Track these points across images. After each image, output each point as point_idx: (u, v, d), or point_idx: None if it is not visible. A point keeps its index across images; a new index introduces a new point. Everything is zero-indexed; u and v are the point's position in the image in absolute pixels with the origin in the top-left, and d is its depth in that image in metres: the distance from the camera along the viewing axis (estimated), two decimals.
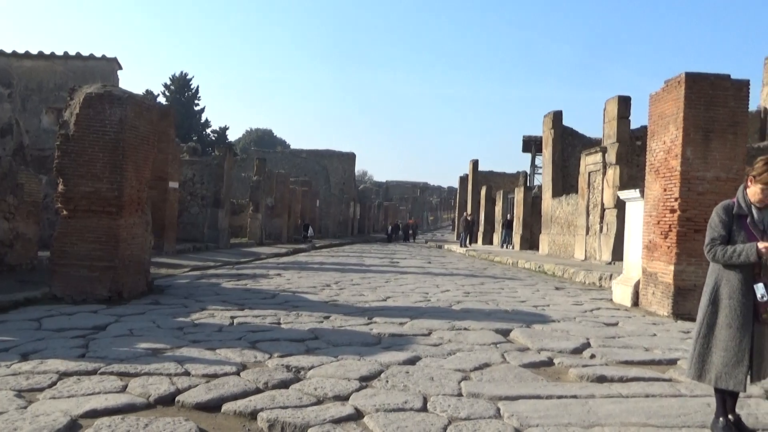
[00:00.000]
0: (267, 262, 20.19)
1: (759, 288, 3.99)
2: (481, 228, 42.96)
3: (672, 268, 9.70)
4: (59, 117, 10.66)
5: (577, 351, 6.82)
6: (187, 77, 61.50)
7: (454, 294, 12.17)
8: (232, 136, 76.11)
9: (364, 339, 7.10)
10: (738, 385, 4.02)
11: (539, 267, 19.91)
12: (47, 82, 22.92)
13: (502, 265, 23.10)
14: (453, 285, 14.07)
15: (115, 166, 9.56)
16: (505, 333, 7.80)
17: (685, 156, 9.72)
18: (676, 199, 9.77)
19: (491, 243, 40.32)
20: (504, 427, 4.17)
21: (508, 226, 35.05)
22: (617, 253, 18.24)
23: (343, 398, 4.72)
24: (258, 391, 4.84)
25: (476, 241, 41.70)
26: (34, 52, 23.09)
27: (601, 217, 21.43)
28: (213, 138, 60.98)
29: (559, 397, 4.95)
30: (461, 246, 35.83)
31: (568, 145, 28.56)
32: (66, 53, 23.16)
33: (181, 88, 60.64)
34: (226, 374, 5.27)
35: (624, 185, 18.92)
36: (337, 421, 4.21)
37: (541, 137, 31.81)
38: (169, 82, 60.87)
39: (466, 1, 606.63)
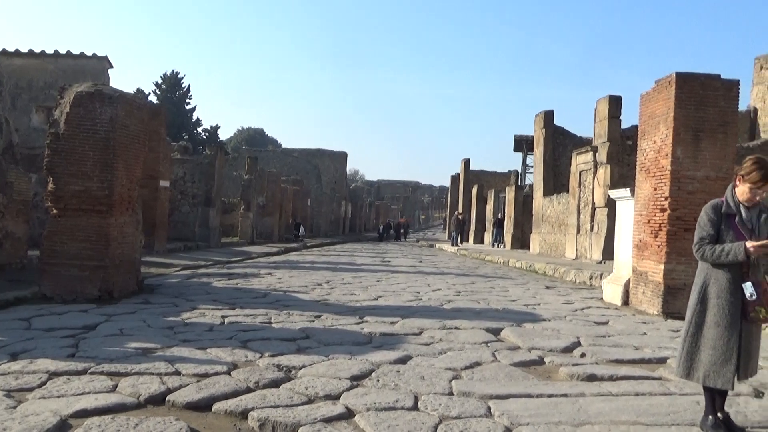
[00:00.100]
0: (258, 261, 20.16)
1: (747, 287, 4.01)
2: (473, 227, 43.05)
3: (662, 267, 9.75)
4: (49, 115, 10.61)
5: (568, 350, 6.85)
6: (179, 76, 61.36)
7: (445, 293, 12.19)
8: (224, 135, 75.90)
9: (355, 338, 7.11)
10: (726, 383, 4.04)
11: (530, 266, 19.96)
12: (37, 81, 22.80)
13: (493, 264, 23.14)
14: (444, 284, 14.09)
15: (105, 164, 9.52)
16: (496, 332, 7.81)
17: (676, 155, 9.77)
18: (666, 199, 9.81)
19: (482, 242, 40.40)
20: (495, 426, 4.18)
21: (499, 225, 35.14)
22: (608, 252, 18.30)
23: (334, 397, 4.72)
24: (249, 390, 4.83)
25: (467, 240, 41.78)
26: (25, 50, 22.98)
27: (592, 216, 21.50)
28: (204, 137, 60.84)
29: (550, 395, 4.96)
30: (452, 245, 35.87)
31: (560, 144, 28.65)
32: (56, 52, 23.05)
33: (173, 86, 60.48)
34: (216, 374, 5.26)
35: (615, 184, 19.00)
36: (328, 420, 4.21)
37: (532, 137, 31.88)
38: (160, 81, 60.72)
39: (459, 1, 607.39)
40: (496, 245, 34.80)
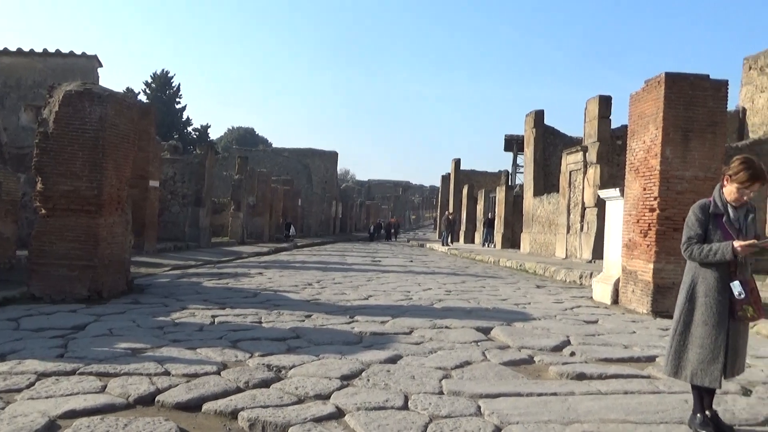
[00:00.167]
0: (248, 261, 20.12)
1: (735, 286, 4.04)
2: (463, 227, 43.13)
3: (651, 266, 9.79)
4: (38, 115, 10.55)
5: (558, 349, 6.87)
6: (169, 75, 61.10)
7: (435, 292, 12.20)
8: (214, 134, 75.63)
9: (346, 338, 7.11)
10: (713, 381, 4.07)
11: (520, 265, 20.01)
12: (26, 80, 22.67)
13: (484, 263, 23.18)
14: (434, 283, 14.11)
15: (94, 164, 9.48)
16: (486, 331, 7.83)
17: (665, 155, 9.81)
18: (655, 198, 9.86)
19: (473, 242, 40.48)
20: (484, 425, 4.19)
21: (489, 224, 35.21)
22: (598, 252, 18.37)
23: (324, 397, 4.72)
24: (239, 390, 4.82)
25: (458, 240, 41.85)
26: (13, 48, 22.83)
27: (582, 216, 21.58)
28: (194, 136, 60.61)
29: (539, 394, 4.98)
30: (443, 245, 35.91)
31: (550, 144, 28.75)
32: (45, 50, 22.92)
33: (162, 86, 60.22)
34: (206, 374, 5.24)
35: (604, 184, 19.07)
36: (318, 420, 4.21)
37: (522, 136, 31.97)
38: (150, 80, 60.43)
39: (450, 0, 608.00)
40: (486, 245, 34.87)
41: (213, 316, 8.24)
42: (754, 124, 24.68)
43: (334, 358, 6.01)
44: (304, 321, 8.18)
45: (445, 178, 57.10)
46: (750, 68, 25.50)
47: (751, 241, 4.00)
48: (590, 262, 19.72)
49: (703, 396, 4.20)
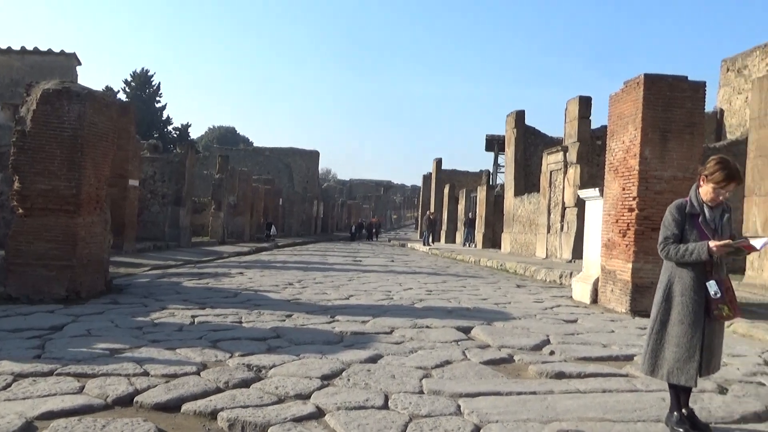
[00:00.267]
0: (229, 260, 20.04)
1: (711, 285, 4.09)
2: (444, 226, 43.26)
3: (630, 265, 9.88)
4: (15, 113, 10.44)
5: (537, 348, 6.91)
6: (149, 74, 60.69)
7: (416, 292, 12.22)
8: (195, 133, 75.19)
9: (327, 337, 7.10)
10: (689, 380, 4.11)
11: (501, 265, 20.10)
12: (3, 78, 22.44)
13: (465, 263, 23.26)
14: (415, 283, 14.13)
15: (73, 163, 9.40)
16: (467, 330, 7.86)
17: (644, 155, 9.90)
18: (634, 198, 9.94)
19: (454, 241, 40.60)
20: (464, 424, 4.21)
21: (470, 224, 35.34)
22: (578, 252, 18.50)
23: (305, 397, 4.71)
24: (218, 390, 4.80)
25: (439, 240, 41.95)
26: None
27: (562, 216, 21.71)
28: (175, 135, 60.22)
29: (519, 393, 5.01)
30: (424, 244, 35.97)
31: (531, 144, 28.90)
32: (23, 48, 22.72)
33: (142, 84, 59.80)
34: (186, 374, 5.22)
35: (584, 184, 19.20)
36: (299, 420, 4.20)
37: (503, 136, 32.10)
38: (129, 79, 59.98)
39: (430, 0, 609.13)
40: (467, 244, 34.99)
41: (193, 316, 8.20)
42: (732, 125, 24.97)
43: (314, 357, 6.00)
44: (284, 321, 8.16)
45: (427, 178, 57.23)
46: (728, 70, 25.80)
47: (726, 241, 4.05)
48: (570, 261, 19.84)
49: (680, 394, 4.25)
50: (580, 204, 18.56)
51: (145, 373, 5.19)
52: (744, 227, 13.26)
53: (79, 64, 23.27)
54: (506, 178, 30.28)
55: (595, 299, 10.99)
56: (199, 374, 5.24)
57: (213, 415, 4.26)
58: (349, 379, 5.26)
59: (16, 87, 21.19)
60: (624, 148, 10.39)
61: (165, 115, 61.29)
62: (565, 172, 21.63)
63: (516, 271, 18.41)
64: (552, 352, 6.68)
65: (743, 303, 10.04)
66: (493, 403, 4.70)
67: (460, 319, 8.66)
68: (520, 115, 28.99)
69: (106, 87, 53.47)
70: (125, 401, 4.48)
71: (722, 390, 5.31)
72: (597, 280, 11.05)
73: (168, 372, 5.24)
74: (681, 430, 4.11)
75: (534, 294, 12.61)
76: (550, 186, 23.07)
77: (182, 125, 63.45)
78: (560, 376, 5.66)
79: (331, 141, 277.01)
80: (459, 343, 7.07)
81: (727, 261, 4.27)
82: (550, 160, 23.05)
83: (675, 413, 4.23)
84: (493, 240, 31.63)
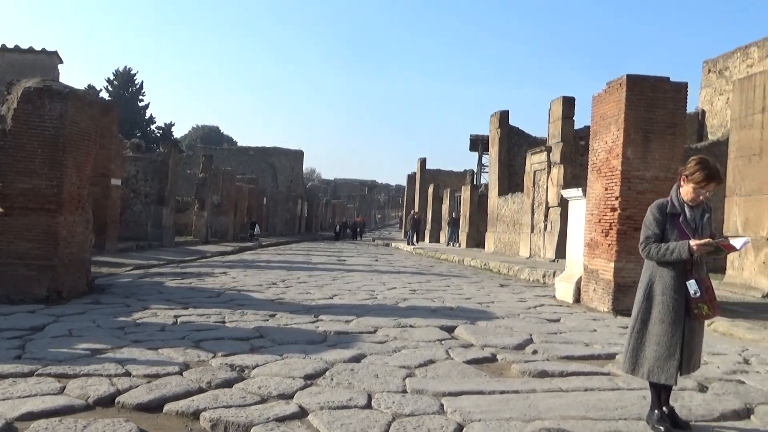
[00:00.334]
0: (212, 260, 19.96)
1: (691, 284, 4.13)
2: (428, 226, 43.33)
3: (612, 265, 9.94)
4: None
5: (520, 347, 6.94)
6: (131, 72, 60.25)
7: (400, 291, 12.24)
8: (178, 132, 74.67)
9: (310, 337, 7.09)
10: (669, 378, 4.15)
11: (485, 264, 20.16)
12: None
13: (449, 262, 23.31)
14: (399, 282, 14.14)
15: (54, 162, 9.33)
16: (450, 330, 7.88)
17: (626, 156, 9.97)
18: (616, 198, 10.01)
19: (438, 241, 40.66)
20: (447, 423, 4.22)
21: (454, 224, 35.40)
22: (561, 251, 18.59)
23: (288, 397, 4.70)
24: (201, 390, 4.79)
25: (423, 239, 42.01)
26: None
27: (546, 216, 21.82)
28: (158, 134, 59.80)
29: (502, 392, 5.03)
30: (408, 244, 36.01)
31: (515, 144, 29.00)
32: (4, 46, 22.46)
33: (125, 83, 59.36)
34: (168, 374, 5.19)
35: (568, 184, 19.30)
36: (282, 420, 4.20)
37: (488, 136, 32.19)
38: (112, 77, 59.50)
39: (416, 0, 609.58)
40: (451, 244, 35.06)
41: (176, 316, 8.16)
42: (713, 126, 25.19)
43: (297, 357, 6.00)
44: (268, 320, 8.14)
45: (411, 178, 57.34)
46: (709, 71, 26.03)
47: (707, 240, 4.09)
48: (554, 261, 19.94)
49: (661, 392, 4.28)
50: (563, 204, 18.65)
51: (127, 374, 5.16)
52: (725, 227, 13.39)
53: (61, 62, 23.07)
54: (490, 177, 30.38)
55: (578, 298, 11.06)
56: (181, 374, 5.22)
57: (195, 415, 4.24)
58: (332, 379, 5.25)
59: None
60: (607, 148, 10.45)
61: (148, 114, 60.92)
62: (549, 172, 21.74)
63: (500, 271, 18.47)
64: (535, 351, 6.71)
65: (723, 302, 10.15)
66: (476, 402, 4.72)
67: (443, 319, 8.68)
68: (504, 116, 29.09)
69: (89, 85, 53.06)
70: (107, 402, 4.46)
71: (702, 388, 5.36)
72: (580, 280, 11.11)
73: (150, 372, 5.21)
74: (662, 428, 4.15)
75: (517, 293, 12.67)
76: (533, 186, 23.17)
77: (165, 124, 63.06)
78: (543, 374, 5.69)
79: (315, 140, 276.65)
80: (442, 342, 7.08)
81: (708, 260, 4.32)
82: (534, 160, 23.15)
83: (656, 411, 4.26)
84: (477, 239, 31.72)
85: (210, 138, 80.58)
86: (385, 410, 4.46)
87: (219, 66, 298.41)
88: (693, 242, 4.07)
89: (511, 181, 28.08)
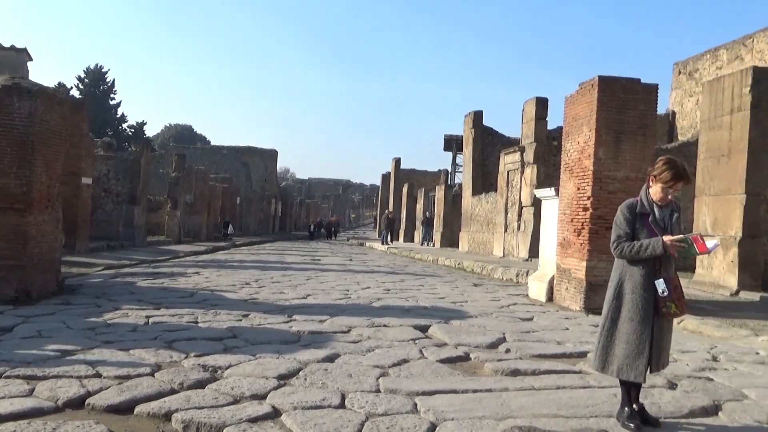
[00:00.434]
0: (185, 260, 19.80)
1: (660, 284, 4.19)
2: (403, 225, 43.35)
3: (584, 264, 10.04)
4: None
5: (493, 346, 6.98)
6: (103, 70, 59.70)
7: (374, 291, 12.24)
8: (151, 131, 74.17)
9: (284, 337, 7.07)
10: (638, 376, 4.21)
11: (459, 264, 20.23)
12: None
13: (423, 262, 23.36)
14: (374, 282, 14.15)
15: (23, 160, 9.21)
16: (424, 329, 7.90)
17: (598, 156, 10.07)
18: (588, 198, 10.11)
19: (412, 240, 40.73)
20: (420, 422, 4.23)
21: (428, 223, 35.50)
22: (534, 250, 18.71)
23: (261, 397, 4.68)
24: (173, 391, 4.75)
25: (398, 239, 42.04)
26: None
27: (519, 215, 21.95)
28: (130, 133, 59.32)
29: (475, 391, 5.05)
30: (383, 243, 36.03)
31: (488, 144, 29.13)
32: None
33: (96, 81, 58.77)
34: (139, 375, 5.14)
35: (541, 184, 19.44)
36: (254, 420, 4.18)
37: (462, 136, 32.31)
38: (83, 75, 58.92)
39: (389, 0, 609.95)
40: (425, 244, 35.14)
41: (147, 317, 8.08)
42: (683, 127, 25.55)
43: (271, 357, 5.97)
44: (241, 320, 8.10)
45: (386, 177, 57.33)
46: (679, 73, 26.39)
47: (680, 236, 4.16)
48: (527, 260, 20.08)
49: (631, 390, 4.34)
50: (536, 203, 18.77)
51: (98, 375, 5.10)
52: (694, 226, 13.59)
53: (30, 59, 22.73)
54: (464, 177, 30.49)
55: (550, 297, 11.14)
56: (153, 375, 5.17)
57: (167, 416, 4.21)
58: (305, 379, 5.24)
59: None
60: (579, 148, 10.55)
61: (120, 113, 60.44)
62: (522, 172, 21.88)
63: (473, 270, 18.55)
64: (508, 350, 6.75)
65: (693, 300, 10.31)
66: (449, 401, 4.74)
67: (417, 318, 8.69)
68: (478, 116, 29.21)
69: (59, 83, 52.46)
70: (76, 403, 4.40)
71: (672, 385, 5.44)
72: (552, 279, 11.20)
73: (121, 373, 5.16)
74: (632, 425, 4.20)
75: (491, 292, 12.73)
76: (507, 186, 23.30)
77: (137, 123, 62.58)
78: (515, 373, 5.72)
79: (290, 140, 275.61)
80: (416, 341, 7.10)
81: (677, 260, 4.37)
82: (508, 160, 23.28)
83: (626, 408, 4.32)
84: (451, 239, 31.82)
85: (183, 137, 79.99)
86: (358, 410, 4.46)
87: (192, 65, 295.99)
88: (667, 238, 4.13)
89: (485, 180, 28.21)
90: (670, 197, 4.29)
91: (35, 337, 6.55)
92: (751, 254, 12.41)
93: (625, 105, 10.18)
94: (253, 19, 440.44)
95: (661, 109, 20.56)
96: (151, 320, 7.86)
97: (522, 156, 21.89)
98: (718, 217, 12.98)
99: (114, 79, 60.18)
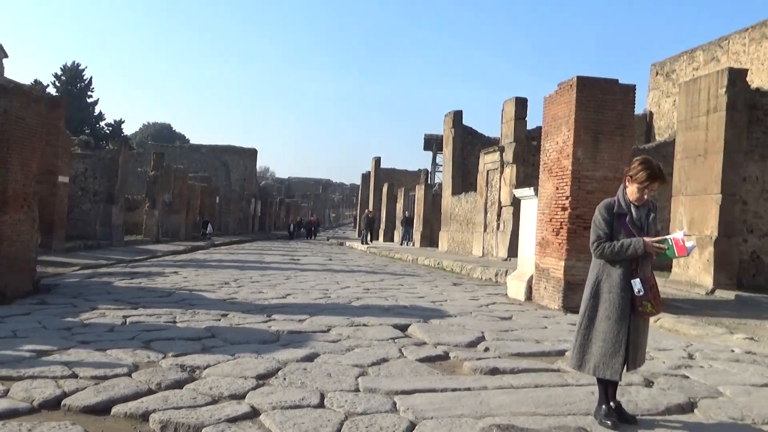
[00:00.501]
0: (163, 259, 19.65)
1: (636, 283, 4.23)
2: (383, 225, 43.37)
3: (563, 263, 10.10)
4: None
5: (472, 344, 7.00)
6: (80, 68, 59.07)
7: (354, 290, 12.23)
8: (129, 129, 73.46)
9: (263, 336, 7.04)
10: (615, 374, 4.24)
11: (438, 263, 20.28)
12: None
13: (403, 261, 23.38)
14: (353, 282, 14.14)
15: None
16: (403, 328, 7.90)
17: (576, 156, 10.14)
18: (567, 198, 10.17)
19: (392, 240, 40.76)
20: (399, 421, 4.23)
21: (408, 223, 35.54)
22: (513, 250, 18.80)
23: (240, 397, 4.66)
24: (150, 392, 4.71)
25: (377, 238, 42.04)
26: None
27: (499, 215, 22.04)
28: (107, 131, 58.70)
29: (454, 389, 5.06)
30: (362, 243, 36.01)
31: (468, 144, 29.22)
32: None
33: (73, 78, 58.13)
34: (116, 375, 5.10)
35: (520, 184, 19.54)
36: (233, 420, 4.16)
37: (442, 136, 32.38)
38: (59, 72, 58.23)
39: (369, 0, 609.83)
40: (405, 243, 35.18)
41: (125, 317, 8.01)
42: (660, 127, 25.82)
43: (250, 357, 5.95)
44: (220, 320, 8.05)
45: (366, 177, 57.35)
46: (657, 74, 26.67)
47: (661, 237, 4.21)
48: (506, 260, 20.16)
49: (608, 388, 4.38)
50: (516, 203, 18.84)
51: (74, 375, 5.05)
52: (671, 226, 13.73)
53: (6, 56, 22.48)
54: (444, 177, 30.55)
55: (529, 296, 11.20)
56: (130, 375, 5.13)
57: (144, 417, 4.17)
58: (284, 378, 5.23)
59: None
60: (558, 148, 10.61)
61: (97, 111, 59.83)
62: (502, 172, 21.96)
63: (453, 270, 18.60)
64: (487, 349, 6.77)
65: (669, 299, 10.42)
66: (428, 399, 4.75)
67: (397, 317, 8.70)
68: (458, 116, 29.29)
69: (35, 81, 51.60)
70: (52, 404, 4.36)
71: (648, 383, 5.49)
72: (531, 278, 11.26)
73: (98, 374, 5.11)
74: (609, 422, 4.23)
75: (470, 292, 12.77)
76: (486, 185, 23.38)
77: (115, 121, 61.97)
78: (494, 372, 5.74)
79: (269, 139, 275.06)
80: (395, 340, 7.10)
81: (659, 259, 4.41)
82: (487, 160, 23.36)
83: (603, 406, 4.35)
84: (430, 239, 31.89)
85: (161, 136, 79.40)
86: (337, 409, 4.45)
87: (171, 63, 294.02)
88: (647, 239, 4.18)
89: (465, 180, 28.29)
90: (646, 197, 4.32)
91: (10, 338, 6.46)
92: (726, 253, 12.57)
93: (603, 105, 10.25)
94: (233, 18, 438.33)
95: (638, 110, 20.76)
96: (128, 320, 7.79)
97: (501, 156, 21.98)
98: (694, 216, 13.12)
99: (91, 77, 59.60)
